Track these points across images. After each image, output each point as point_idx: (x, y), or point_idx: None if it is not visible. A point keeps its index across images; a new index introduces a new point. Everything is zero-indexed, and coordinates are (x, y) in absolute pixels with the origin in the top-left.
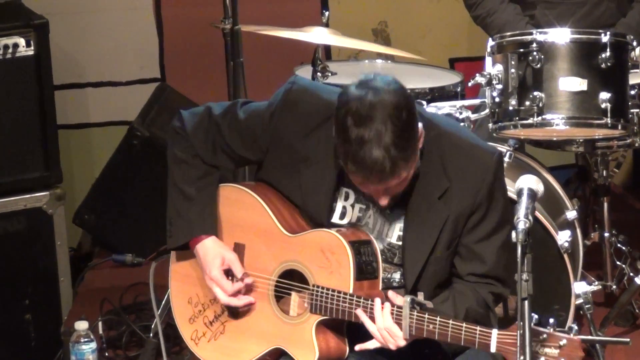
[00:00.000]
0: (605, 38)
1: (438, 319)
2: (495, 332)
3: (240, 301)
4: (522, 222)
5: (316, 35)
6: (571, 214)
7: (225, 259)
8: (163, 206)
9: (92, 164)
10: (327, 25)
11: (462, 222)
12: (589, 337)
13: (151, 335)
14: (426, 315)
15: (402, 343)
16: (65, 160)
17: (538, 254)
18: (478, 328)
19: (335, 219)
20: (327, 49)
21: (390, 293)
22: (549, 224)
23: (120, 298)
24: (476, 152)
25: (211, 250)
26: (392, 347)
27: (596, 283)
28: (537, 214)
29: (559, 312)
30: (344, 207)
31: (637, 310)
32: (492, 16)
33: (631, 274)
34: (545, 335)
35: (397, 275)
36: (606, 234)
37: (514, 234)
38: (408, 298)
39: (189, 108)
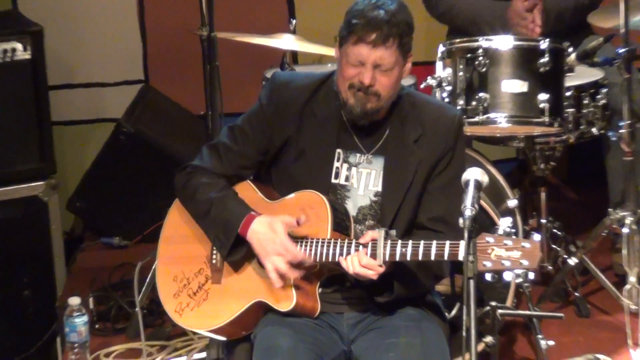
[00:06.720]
0: (543, 45)
1: (410, 242)
2: (462, 243)
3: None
4: (468, 209)
5: (284, 41)
6: (512, 203)
7: (282, 223)
8: (147, 194)
9: (83, 156)
10: (294, 32)
11: (432, 166)
12: (527, 312)
13: (136, 309)
14: (399, 241)
15: (381, 270)
16: (59, 153)
17: None
18: (448, 242)
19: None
20: (294, 54)
21: (369, 232)
22: (493, 211)
23: (108, 276)
24: (444, 108)
25: (262, 228)
26: (374, 277)
27: None
28: (482, 202)
29: (501, 289)
30: (337, 168)
31: (570, 289)
32: (455, 7)
33: (565, 256)
34: (509, 242)
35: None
36: (543, 221)
37: (460, 221)
38: (383, 229)
39: (170, 107)
